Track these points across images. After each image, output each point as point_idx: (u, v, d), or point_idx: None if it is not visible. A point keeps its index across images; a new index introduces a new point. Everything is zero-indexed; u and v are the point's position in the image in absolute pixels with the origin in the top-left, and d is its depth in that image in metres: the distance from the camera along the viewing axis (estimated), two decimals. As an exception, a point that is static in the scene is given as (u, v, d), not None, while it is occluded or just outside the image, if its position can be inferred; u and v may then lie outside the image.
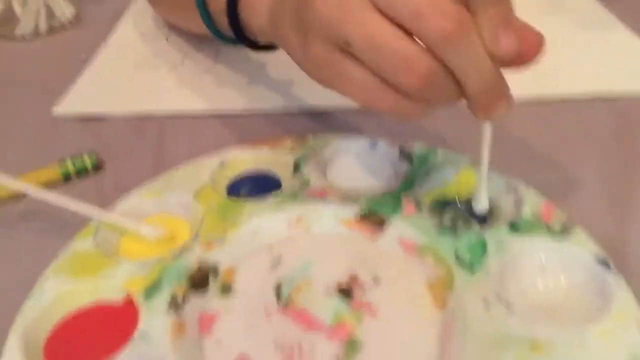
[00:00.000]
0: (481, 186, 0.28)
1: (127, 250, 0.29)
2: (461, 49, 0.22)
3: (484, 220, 0.29)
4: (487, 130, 0.27)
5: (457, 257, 0.27)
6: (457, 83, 0.24)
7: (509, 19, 0.23)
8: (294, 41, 0.28)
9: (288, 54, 0.30)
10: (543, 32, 0.24)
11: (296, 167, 0.33)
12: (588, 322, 0.23)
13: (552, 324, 0.24)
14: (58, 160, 0.36)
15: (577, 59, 0.47)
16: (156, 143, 0.39)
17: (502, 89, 0.24)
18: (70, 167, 0.36)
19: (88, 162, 0.36)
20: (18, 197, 0.34)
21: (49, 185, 0.35)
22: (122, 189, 0.32)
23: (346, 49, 0.24)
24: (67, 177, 0.36)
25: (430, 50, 0.23)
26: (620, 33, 0.51)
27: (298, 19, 0.27)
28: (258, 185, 0.33)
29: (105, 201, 0.31)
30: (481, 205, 0.29)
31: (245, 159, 0.34)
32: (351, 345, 0.24)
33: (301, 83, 0.43)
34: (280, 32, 0.30)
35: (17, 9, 0.55)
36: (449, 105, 0.25)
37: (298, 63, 0.28)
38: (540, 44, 0.24)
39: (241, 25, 0.36)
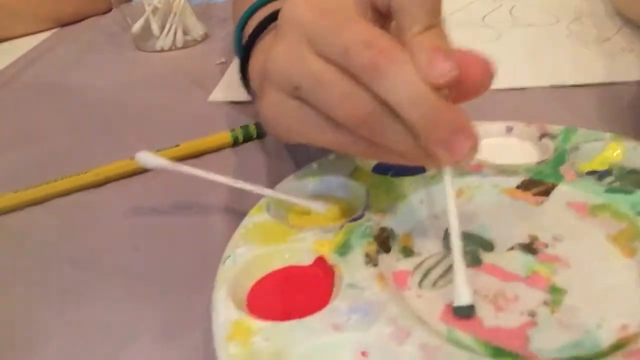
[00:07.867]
0: (458, 273, 0.23)
1: (296, 223, 0.30)
2: (388, 78, 0.21)
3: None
4: (449, 184, 0.24)
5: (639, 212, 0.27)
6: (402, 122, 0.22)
7: (442, 45, 0.22)
8: (258, 95, 0.29)
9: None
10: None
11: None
12: None
13: None
14: (230, 129, 0.42)
15: None
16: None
17: (452, 122, 0.21)
18: (239, 134, 0.42)
19: (253, 131, 0.42)
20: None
21: (221, 149, 0.41)
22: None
23: (297, 95, 0.25)
24: (236, 143, 0.42)
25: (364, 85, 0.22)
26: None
27: (263, 75, 0.27)
28: (403, 168, 0.34)
29: (270, 163, 0.35)
30: (463, 297, 0.23)
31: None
32: (555, 290, 0.24)
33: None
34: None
35: (155, 27, 0.62)
36: (407, 151, 0.23)
37: (261, 115, 0.28)
38: (486, 69, 0.22)
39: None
